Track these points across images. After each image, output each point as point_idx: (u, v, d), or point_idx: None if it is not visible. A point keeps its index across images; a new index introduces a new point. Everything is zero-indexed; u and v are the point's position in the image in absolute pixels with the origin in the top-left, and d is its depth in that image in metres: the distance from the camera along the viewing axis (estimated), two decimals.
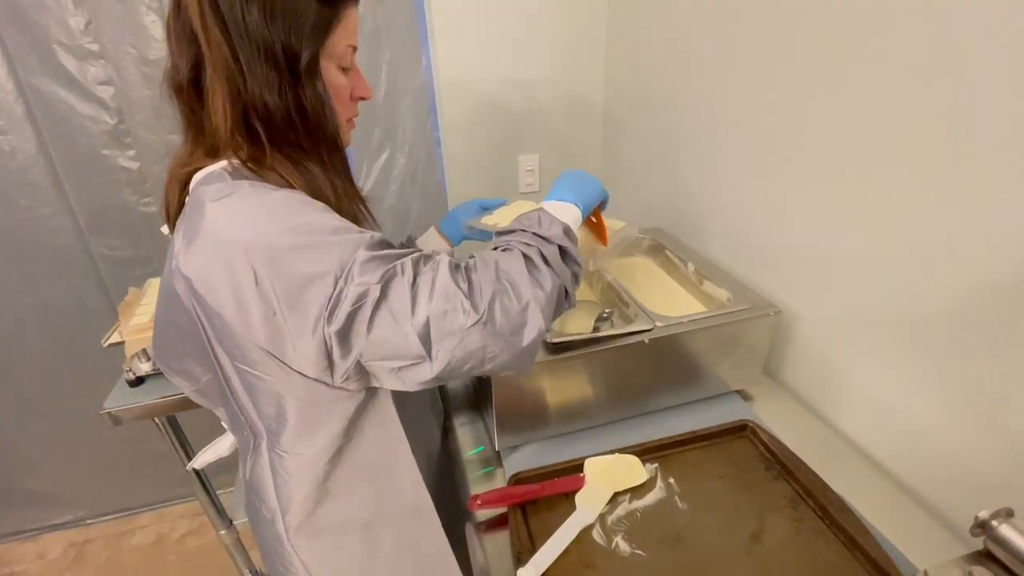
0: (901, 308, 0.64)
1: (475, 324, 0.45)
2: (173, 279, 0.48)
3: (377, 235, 0.48)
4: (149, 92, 1.12)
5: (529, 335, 0.48)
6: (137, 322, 0.87)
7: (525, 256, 0.51)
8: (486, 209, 0.84)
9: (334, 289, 0.43)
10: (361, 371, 0.48)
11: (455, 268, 0.48)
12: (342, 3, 0.52)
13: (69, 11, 1.03)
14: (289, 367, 0.47)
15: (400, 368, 0.46)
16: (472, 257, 0.51)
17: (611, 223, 0.76)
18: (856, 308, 0.70)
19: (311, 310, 0.43)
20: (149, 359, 0.87)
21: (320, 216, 0.47)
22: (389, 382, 0.48)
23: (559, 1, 1.20)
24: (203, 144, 0.52)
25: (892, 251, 0.64)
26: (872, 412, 0.71)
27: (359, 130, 1.22)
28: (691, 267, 0.89)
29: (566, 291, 0.54)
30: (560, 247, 0.53)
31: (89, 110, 1.11)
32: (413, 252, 0.48)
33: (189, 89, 0.50)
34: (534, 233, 0.53)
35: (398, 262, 0.46)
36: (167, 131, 1.15)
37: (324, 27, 0.50)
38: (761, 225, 0.85)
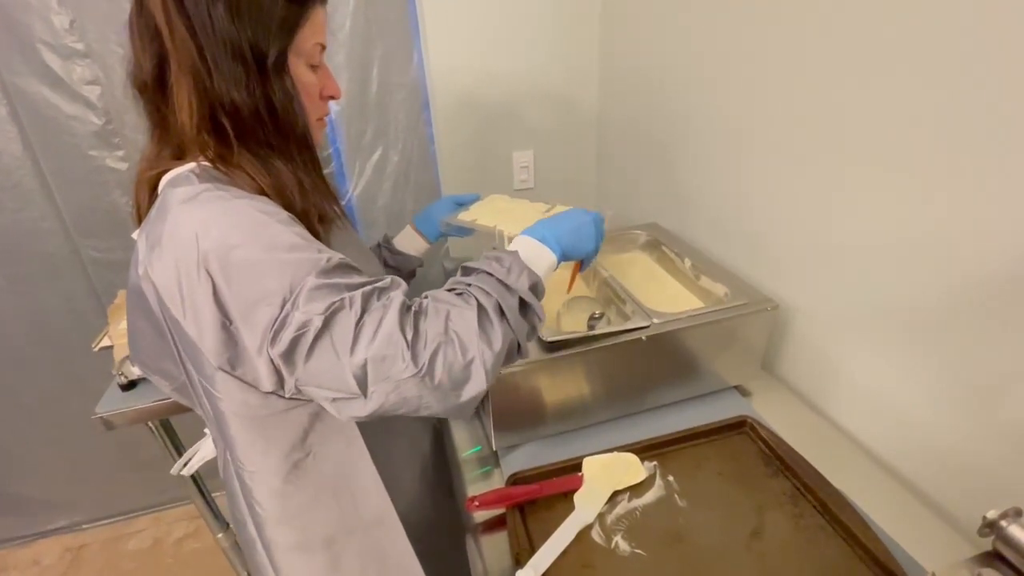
0: (898, 302, 0.64)
1: (412, 376, 0.43)
2: (143, 283, 0.47)
3: (336, 258, 0.46)
4: (127, 86, 1.10)
5: (469, 392, 0.46)
6: (126, 326, 0.85)
7: (480, 307, 0.47)
8: (461, 205, 0.84)
9: (280, 311, 0.43)
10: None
11: (405, 310, 0.46)
12: (309, 1, 0.51)
13: (53, 9, 1.00)
14: (242, 381, 0.47)
15: (335, 399, 0.45)
16: (426, 298, 0.48)
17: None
18: (853, 302, 0.70)
19: (259, 328, 0.43)
20: None
21: (281, 231, 0.45)
22: (325, 407, 0.47)
23: None
24: (169, 143, 0.52)
25: (889, 244, 0.63)
26: (871, 406, 0.71)
27: (352, 127, 1.21)
28: (688, 262, 0.88)
29: (518, 344, 0.51)
30: (521, 300, 0.50)
31: (75, 110, 1.09)
32: (367, 284, 0.46)
33: (153, 86, 0.49)
34: (499, 280, 0.50)
35: (347, 295, 0.44)
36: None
37: (291, 25, 0.50)
38: (757, 219, 0.85)
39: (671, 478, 0.66)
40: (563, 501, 0.63)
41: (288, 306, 0.43)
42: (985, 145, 0.51)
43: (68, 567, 1.52)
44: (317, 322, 0.42)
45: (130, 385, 0.88)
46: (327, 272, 0.44)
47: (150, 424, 0.93)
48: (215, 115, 0.48)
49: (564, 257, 0.58)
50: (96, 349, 0.88)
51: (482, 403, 0.76)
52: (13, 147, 1.09)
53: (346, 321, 0.43)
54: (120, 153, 1.15)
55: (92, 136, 1.12)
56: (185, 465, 0.85)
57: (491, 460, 0.73)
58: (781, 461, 0.66)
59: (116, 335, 0.84)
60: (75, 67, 1.05)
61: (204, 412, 0.55)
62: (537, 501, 0.63)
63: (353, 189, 1.26)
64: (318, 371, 0.44)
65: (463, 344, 0.46)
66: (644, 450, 0.69)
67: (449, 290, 0.51)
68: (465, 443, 0.77)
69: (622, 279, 0.82)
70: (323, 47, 0.56)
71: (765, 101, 0.78)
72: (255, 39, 0.48)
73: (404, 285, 0.49)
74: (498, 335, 0.47)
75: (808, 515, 0.60)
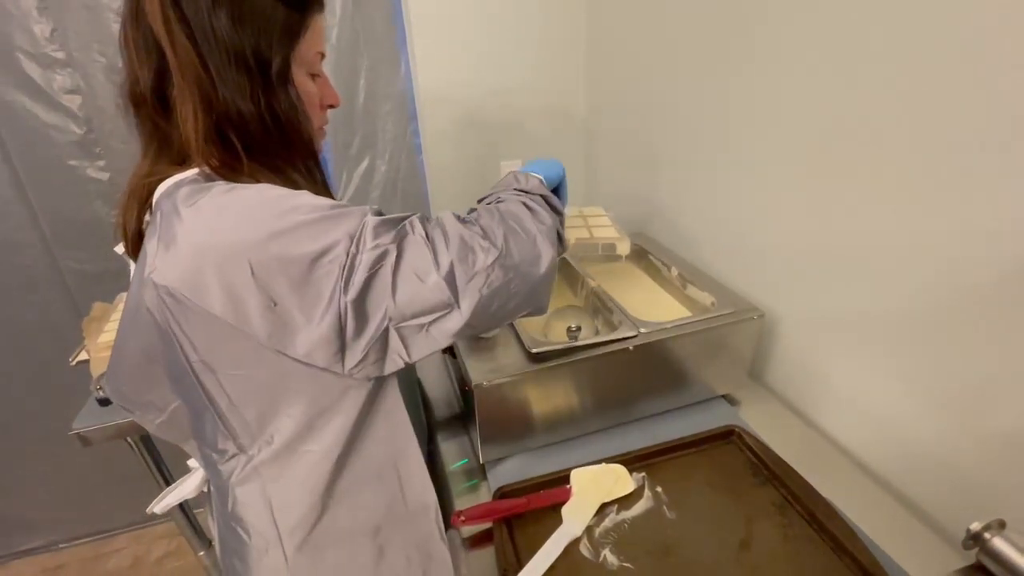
0: (882, 308, 0.64)
1: (496, 260, 0.48)
2: (143, 293, 0.45)
3: (374, 206, 0.48)
4: (119, 100, 1.08)
5: (544, 264, 0.53)
6: (106, 339, 0.83)
7: (519, 202, 0.56)
8: None
9: (347, 257, 0.43)
10: (377, 351, 0.46)
11: (459, 219, 0.51)
12: (310, 9, 0.51)
13: (33, 18, 0.99)
14: (295, 360, 0.45)
15: (430, 323, 0.47)
16: (472, 211, 0.55)
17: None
18: (838, 309, 0.70)
19: (324, 286, 0.43)
20: None
21: (313, 197, 0.46)
22: (418, 346, 0.47)
23: (538, 6, 1.19)
24: (167, 158, 0.50)
25: (872, 251, 0.64)
26: (858, 414, 0.71)
27: (339, 137, 1.21)
28: (674, 271, 0.88)
29: (558, 233, 0.58)
30: (542, 195, 0.59)
31: (55, 119, 1.07)
32: (414, 213, 0.49)
33: (152, 100, 0.48)
34: (515, 189, 0.59)
35: (406, 221, 0.47)
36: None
37: (293, 33, 0.50)
38: (743, 227, 0.85)
39: (659, 489, 0.65)
40: (551, 514, 0.62)
41: (353, 249, 0.43)
42: (965, 152, 0.52)
43: None
44: (392, 251, 0.44)
45: (108, 400, 0.86)
46: (377, 212, 0.47)
47: (129, 440, 0.91)
48: (221, 127, 0.47)
49: (547, 180, 0.64)
50: (73, 363, 0.86)
51: (469, 415, 0.75)
52: None
53: (416, 242, 0.46)
54: (101, 163, 1.13)
55: (72, 145, 1.10)
56: (162, 501, 0.78)
57: (478, 473, 0.72)
58: (769, 470, 0.66)
59: (93, 349, 0.82)
60: (55, 76, 1.04)
61: (223, 425, 0.49)
62: (524, 515, 0.62)
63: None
64: (407, 299, 0.45)
65: (523, 227, 0.53)
66: (633, 461, 0.68)
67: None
68: (451, 456, 0.76)
69: (609, 288, 0.82)
70: (323, 55, 0.55)
71: (749, 111, 0.79)
72: (258, 47, 0.47)
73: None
74: (544, 215, 0.56)
75: (796, 525, 0.60)
